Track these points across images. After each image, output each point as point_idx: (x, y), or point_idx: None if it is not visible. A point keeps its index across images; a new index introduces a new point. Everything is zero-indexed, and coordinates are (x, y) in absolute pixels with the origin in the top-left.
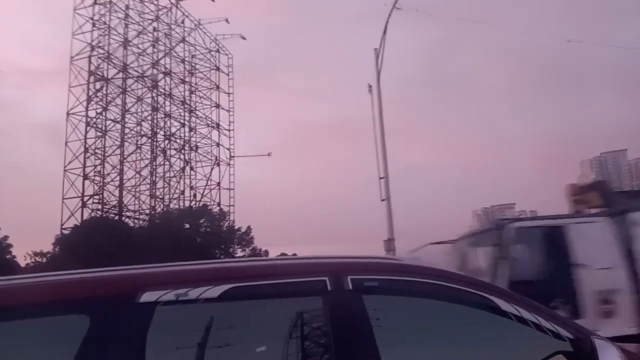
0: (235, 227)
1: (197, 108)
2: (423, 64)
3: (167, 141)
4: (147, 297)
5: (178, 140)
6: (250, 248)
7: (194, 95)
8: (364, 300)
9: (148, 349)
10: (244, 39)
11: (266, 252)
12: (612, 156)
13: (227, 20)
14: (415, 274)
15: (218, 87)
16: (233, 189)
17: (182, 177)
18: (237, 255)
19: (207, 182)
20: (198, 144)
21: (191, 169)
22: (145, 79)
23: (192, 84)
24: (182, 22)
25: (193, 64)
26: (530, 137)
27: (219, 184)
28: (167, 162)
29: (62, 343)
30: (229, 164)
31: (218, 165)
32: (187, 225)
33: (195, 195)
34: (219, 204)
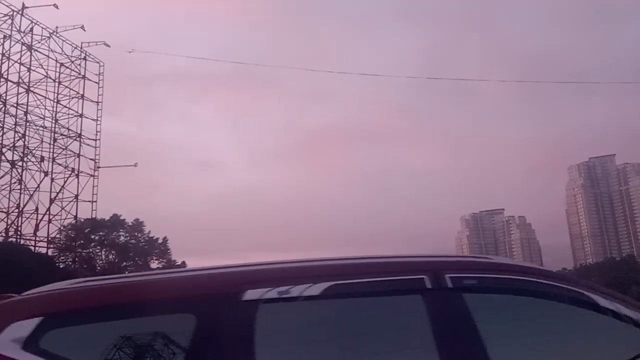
0: (154, 238)
1: (58, 118)
2: (421, 67)
3: None
4: (250, 295)
5: (17, 152)
6: (166, 260)
7: (58, 105)
8: (464, 299)
9: (256, 347)
10: (108, 46)
11: (183, 263)
12: (600, 161)
13: (82, 28)
14: (509, 272)
15: (83, 95)
16: (96, 201)
17: (22, 189)
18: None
19: (57, 194)
20: (55, 155)
21: (52, 179)
22: None
23: (44, 93)
24: (31, 29)
25: (54, 72)
26: (518, 142)
27: (76, 196)
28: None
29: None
30: (92, 176)
31: (77, 176)
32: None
33: (37, 209)
34: (75, 217)
